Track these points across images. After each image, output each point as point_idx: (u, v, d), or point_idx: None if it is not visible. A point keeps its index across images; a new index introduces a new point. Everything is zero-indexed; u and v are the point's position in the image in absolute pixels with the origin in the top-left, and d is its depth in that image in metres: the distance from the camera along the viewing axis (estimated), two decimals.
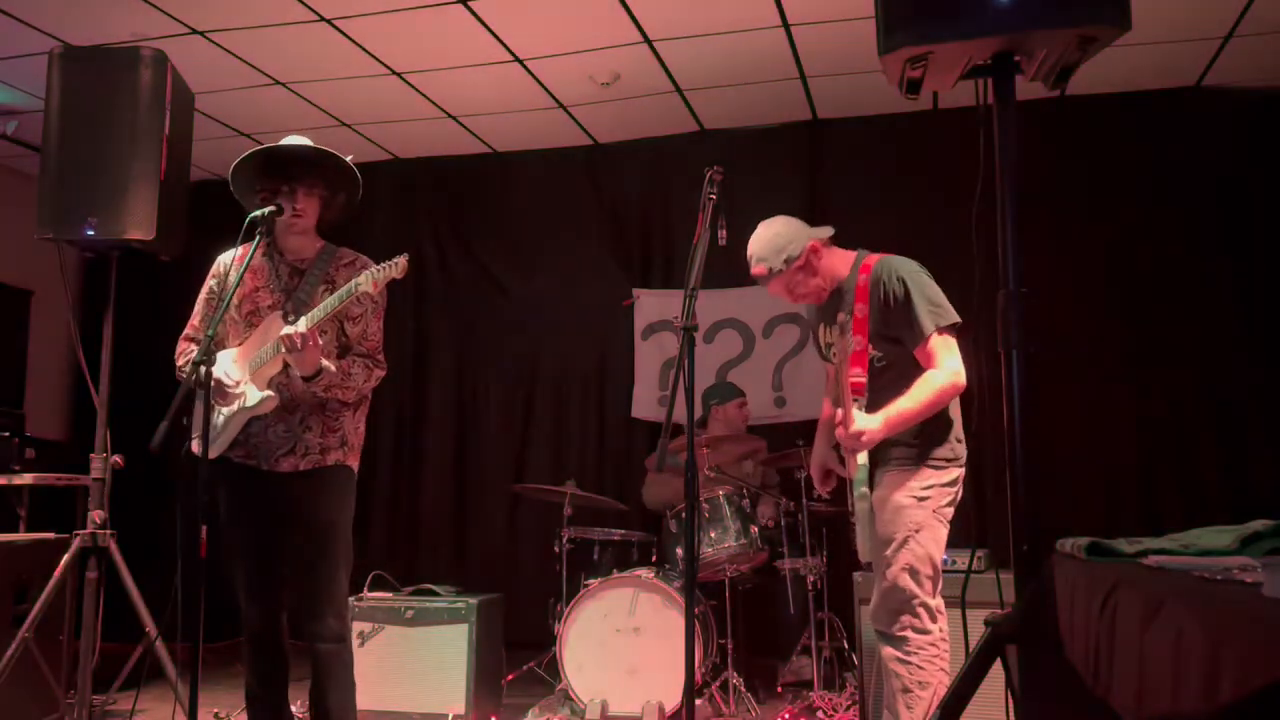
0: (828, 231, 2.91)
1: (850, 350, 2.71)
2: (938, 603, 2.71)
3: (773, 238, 2.86)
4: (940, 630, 2.70)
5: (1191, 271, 5.12)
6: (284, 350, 2.77)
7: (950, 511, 2.76)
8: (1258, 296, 5.02)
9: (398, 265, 2.77)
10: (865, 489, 2.81)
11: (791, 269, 2.84)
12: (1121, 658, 1.23)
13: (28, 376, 6.25)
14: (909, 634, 2.67)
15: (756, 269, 2.89)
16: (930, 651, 2.66)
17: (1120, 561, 1.54)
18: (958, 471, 2.77)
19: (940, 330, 2.68)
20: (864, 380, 2.75)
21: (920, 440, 2.74)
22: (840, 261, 2.89)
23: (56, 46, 3.44)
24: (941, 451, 2.75)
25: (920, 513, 2.70)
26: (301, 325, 2.74)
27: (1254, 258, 5.05)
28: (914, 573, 2.68)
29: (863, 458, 2.78)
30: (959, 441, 2.78)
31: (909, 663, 2.65)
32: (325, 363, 2.84)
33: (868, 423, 2.65)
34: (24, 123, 5.56)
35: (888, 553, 2.71)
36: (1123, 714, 1.21)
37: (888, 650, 2.71)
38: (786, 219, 2.91)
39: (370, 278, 2.75)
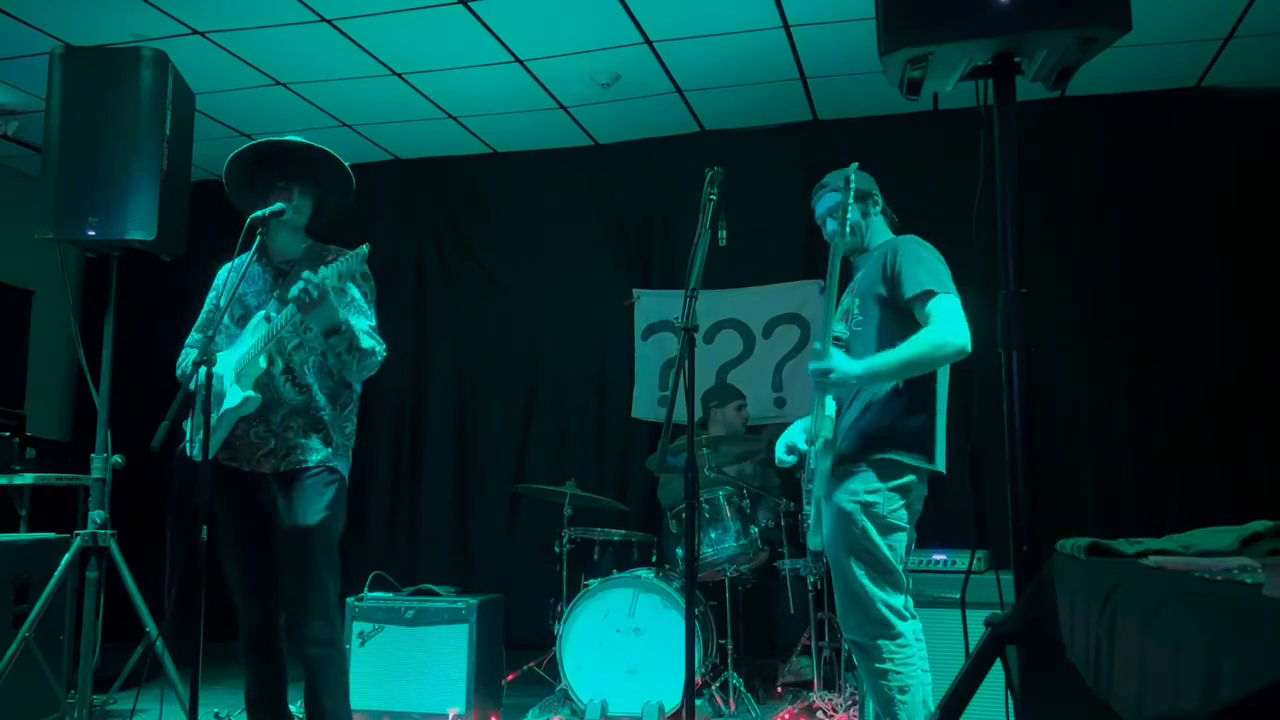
0: (890, 213, 2.97)
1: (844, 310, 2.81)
2: (905, 600, 2.66)
3: (853, 170, 2.87)
4: (913, 630, 2.65)
5: (1191, 272, 5.12)
6: (300, 307, 2.66)
7: (905, 514, 2.67)
8: (1257, 297, 5.02)
9: (358, 256, 2.72)
10: (830, 436, 2.68)
11: (849, 194, 2.78)
12: (1121, 658, 1.23)
13: (28, 376, 6.24)
14: (882, 641, 2.62)
15: (821, 185, 2.95)
16: (905, 654, 2.62)
17: (1120, 562, 1.54)
18: (911, 477, 2.66)
19: (940, 291, 2.61)
20: (841, 339, 2.78)
21: (872, 439, 2.66)
22: (878, 234, 2.93)
23: (57, 46, 3.44)
24: (894, 454, 2.64)
25: (868, 519, 2.62)
26: (315, 277, 2.63)
27: (1254, 258, 5.05)
28: (873, 577, 2.62)
29: (830, 408, 2.68)
30: (923, 449, 2.66)
31: (886, 669, 2.61)
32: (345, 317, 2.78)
33: (844, 364, 2.61)
34: (24, 123, 5.56)
35: (843, 561, 2.65)
36: (1123, 714, 1.21)
37: (864, 661, 2.68)
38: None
39: (335, 271, 2.68)
